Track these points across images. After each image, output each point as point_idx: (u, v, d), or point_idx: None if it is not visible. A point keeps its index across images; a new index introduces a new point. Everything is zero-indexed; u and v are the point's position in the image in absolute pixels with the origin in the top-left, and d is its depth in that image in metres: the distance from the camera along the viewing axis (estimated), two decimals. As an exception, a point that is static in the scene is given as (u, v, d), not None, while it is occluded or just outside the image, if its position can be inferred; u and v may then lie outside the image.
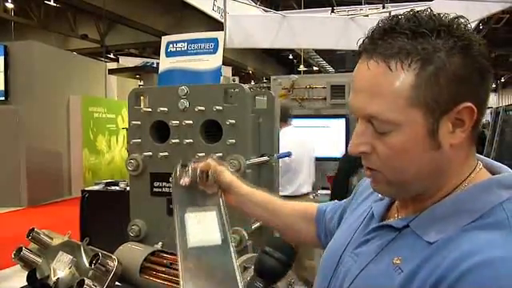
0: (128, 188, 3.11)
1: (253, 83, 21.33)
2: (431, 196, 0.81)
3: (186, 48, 2.60)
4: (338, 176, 3.05)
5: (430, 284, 0.71)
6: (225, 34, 5.87)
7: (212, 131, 2.17)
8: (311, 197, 4.08)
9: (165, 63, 2.64)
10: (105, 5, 12.77)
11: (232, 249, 0.97)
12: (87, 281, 1.49)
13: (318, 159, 4.30)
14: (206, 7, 7.71)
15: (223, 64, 2.63)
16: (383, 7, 8.30)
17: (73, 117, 11.34)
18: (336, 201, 1.26)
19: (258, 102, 2.50)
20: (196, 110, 2.12)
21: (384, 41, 0.76)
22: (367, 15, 7.98)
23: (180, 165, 1.16)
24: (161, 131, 2.21)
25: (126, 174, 2.96)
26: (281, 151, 2.66)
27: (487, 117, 8.22)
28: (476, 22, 7.71)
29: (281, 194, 2.83)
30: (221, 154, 2.05)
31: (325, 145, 4.85)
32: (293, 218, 1.26)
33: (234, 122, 2.07)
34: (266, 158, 2.34)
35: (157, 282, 1.65)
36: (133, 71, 9.50)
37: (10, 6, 14.17)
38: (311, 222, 1.24)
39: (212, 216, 1.05)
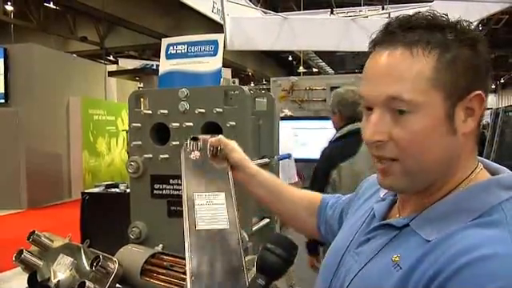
0: (128, 190, 3.11)
1: (252, 85, 21.34)
2: (436, 192, 0.82)
3: (186, 50, 2.61)
4: (317, 174, 2.96)
5: (427, 278, 0.72)
6: (225, 36, 5.87)
7: (212, 133, 2.17)
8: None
9: (165, 65, 2.65)
10: (104, 7, 12.79)
11: (238, 234, 0.98)
12: (88, 283, 1.49)
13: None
14: (206, 9, 7.72)
15: (223, 66, 2.64)
16: (382, 8, 8.31)
17: (72, 119, 11.34)
18: (339, 195, 1.27)
19: (258, 104, 2.50)
20: (196, 112, 2.12)
21: (402, 32, 0.80)
22: (366, 16, 7.99)
23: (191, 137, 1.16)
24: (161, 133, 2.21)
25: (125, 176, 2.96)
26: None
27: (487, 118, 8.23)
28: (476, 23, 7.72)
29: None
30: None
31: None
32: (296, 205, 1.27)
33: (234, 123, 2.07)
34: (266, 160, 2.34)
35: (157, 284, 1.65)
36: (132, 73, 9.52)
37: (9, 8, 14.19)
38: (313, 213, 1.25)
39: (221, 198, 1.05)
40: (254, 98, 2.47)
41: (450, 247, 0.73)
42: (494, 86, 28.14)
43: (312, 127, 5.08)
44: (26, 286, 1.67)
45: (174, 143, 2.13)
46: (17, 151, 9.92)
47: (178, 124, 2.14)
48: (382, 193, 0.96)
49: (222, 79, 2.64)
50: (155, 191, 2.21)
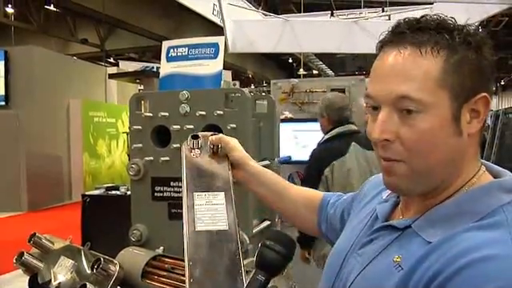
0: (129, 192, 3.11)
1: (252, 87, 21.34)
2: (436, 196, 0.83)
3: (186, 53, 2.61)
4: (310, 172, 3.13)
5: (428, 278, 0.72)
6: (225, 39, 5.88)
7: (213, 135, 2.18)
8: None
9: (166, 68, 2.65)
10: (104, 9, 12.80)
11: (238, 234, 0.98)
12: (89, 285, 1.49)
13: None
14: (206, 11, 7.72)
15: (223, 68, 2.64)
16: (383, 10, 8.31)
17: (73, 121, 11.36)
18: (340, 193, 1.27)
19: (258, 107, 2.51)
20: (197, 114, 2.12)
21: (411, 32, 0.81)
22: (367, 18, 7.99)
23: (191, 135, 1.16)
24: (162, 136, 2.21)
25: (126, 178, 2.96)
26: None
27: (487, 120, 8.22)
28: (476, 24, 7.73)
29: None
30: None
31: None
32: (296, 203, 1.27)
33: (234, 126, 2.07)
34: (267, 162, 2.34)
35: (158, 287, 1.65)
36: (133, 75, 9.53)
37: (10, 10, 14.20)
38: (314, 211, 1.25)
39: (221, 197, 1.05)
40: (255, 101, 2.47)
41: (450, 248, 0.73)
42: (493, 88, 28.11)
43: (312, 129, 5.05)
44: (27, 288, 1.67)
45: (174, 146, 2.14)
46: (17, 153, 9.92)
47: (178, 126, 2.14)
48: (385, 194, 0.97)
49: (222, 81, 2.64)
50: (156, 194, 2.21)
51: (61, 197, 10.83)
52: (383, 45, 0.84)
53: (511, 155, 7.19)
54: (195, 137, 1.16)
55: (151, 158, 2.19)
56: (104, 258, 1.58)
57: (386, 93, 0.81)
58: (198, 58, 2.58)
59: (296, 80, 5.39)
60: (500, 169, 0.87)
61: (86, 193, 5.22)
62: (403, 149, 0.80)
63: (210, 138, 1.16)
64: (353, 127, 3.17)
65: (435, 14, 0.83)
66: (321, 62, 20.13)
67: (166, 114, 2.17)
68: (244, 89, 2.25)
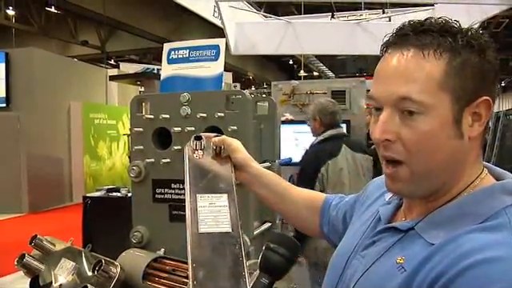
0: (129, 194, 3.11)
1: (253, 89, 21.35)
2: (439, 198, 0.83)
3: (187, 55, 2.61)
4: (306, 171, 3.33)
5: (431, 279, 0.73)
6: (227, 41, 5.88)
7: (214, 137, 2.18)
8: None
9: (167, 70, 2.65)
10: (105, 11, 12.82)
11: (241, 237, 0.98)
12: (90, 287, 1.49)
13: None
14: (206, 13, 7.74)
15: (224, 70, 2.64)
16: (383, 12, 8.31)
17: (73, 123, 11.36)
18: (342, 195, 1.27)
19: (259, 108, 2.51)
20: (198, 116, 2.12)
21: (415, 35, 0.81)
22: (367, 20, 7.99)
23: (194, 136, 1.16)
24: (163, 138, 2.21)
25: (127, 180, 2.96)
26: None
27: (489, 123, 8.20)
28: (477, 26, 7.74)
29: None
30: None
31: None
32: (298, 206, 1.27)
33: (235, 128, 2.07)
34: (267, 164, 2.34)
35: (160, 289, 1.66)
36: (134, 77, 9.51)
37: (11, 12, 14.22)
38: (316, 212, 1.25)
39: (224, 199, 1.05)
40: (256, 103, 2.47)
41: (453, 250, 0.73)
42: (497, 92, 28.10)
43: (313, 131, 5.07)
44: (29, 290, 1.67)
45: (175, 148, 2.14)
46: (18, 155, 9.93)
47: (179, 128, 2.14)
48: (388, 196, 0.97)
49: (223, 84, 2.64)
50: (157, 195, 2.21)
51: (61, 199, 10.83)
52: (387, 46, 0.85)
53: (512, 157, 7.18)
54: (198, 138, 1.16)
55: (152, 160, 2.19)
56: (105, 260, 1.58)
57: (387, 94, 0.81)
58: (198, 60, 2.58)
59: (297, 82, 5.39)
60: (502, 171, 0.87)
61: (87, 195, 5.22)
62: (404, 149, 0.81)
63: (213, 139, 1.16)
64: (342, 131, 3.47)
65: (440, 17, 0.83)
66: (321, 64, 20.13)
67: (167, 116, 2.17)
68: (245, 91, 2.25)
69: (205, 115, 2.12)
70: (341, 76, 19.42)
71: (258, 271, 0.94)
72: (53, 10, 14.35)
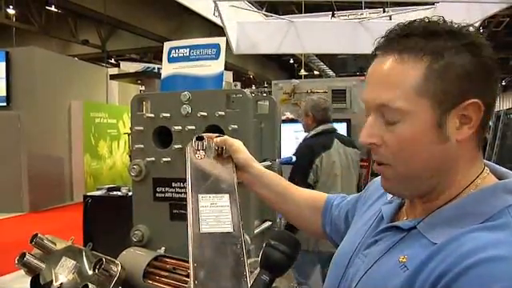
0: (130, 193, 3.11)
1: (254, 88, 21.34)
2: (438, 197, 0.83)
3: (188, 54, 2.60)
4: (301, 162, 3.48)
5: (434, 278, 0.73)
6: (228, 41, 5.88)
7: (215, 136, 2.18)
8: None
9: (167, 69, 2.64)
10: (106, 10, 12.81)
11: (242, 236, 0.98)
12: (91, 286, 1.50)
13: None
14: (207, 12, 7.73)
15: (224, 69, 2.64)
16: (384, 11, 8.30)
17: (74, 122, 11.36)
18: (343, 195, 1.27)
19: (259, 107, 2.51)
20: (198, 115, 2.12)
21: (399, 39, 0.81)
22: (368, 19, 7.99)
23: (196, 137, 1.16)
24: (163, 137, 2.21)
25: (127, 179, 2.97)
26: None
27: (488, 123, 8.19)
28: (477, 25, 7.73)
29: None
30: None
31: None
32: (300, 206, 1.28)
33: (236, 127, 2.07)
34: (268, 163, 2.34)
35: (160, 287, 1.66)
36: (134, 76, 9.52)
37: (11, 12, 14.22)
38: (318, 212, 1.25)
39: (225, 199, 1.05)
40: (256, 101, 2.47)
41: (456, 249, 0.73)
42: (493, 93, 28.12)
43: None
44: (29, 289, 1.67)
45: (176, 146, 2.14)
46: (18, 154, 9.93)
47: (180, 127, 2.14)
48: (389, 195, 0.97)
49: (223, 82, 2.64)
50: (157, 194, 2.21)
51: (62, 198, 10.83)
52: (376, 50, 0.85)
53: (512, 156, 7.18)
54: (200, 138, 1.16)
55: (153, 159, 2.19)
56: (106, 259, 1.58)
57: (371, 99, 0.83)
58: (199, 59, 2.58)
59: (297, 81, 5.40)
60: (505, 170, 0.87)
61: (88, 194, 5.22)
62: (389, 153, 0.82)
63: (215, 139, 1.16)
64: (333, 126, 3.70)
65: (426, 18, 0.82)
66: (322, 63, 20.12)
67: (168, 114, 2.17)
68: (245, 90, 2.25)
69: (205, 114, 2.12)
70: (341, 75, 19.39)
71: (256, 272, 0.94)
72: (53, 9, 14.36)
